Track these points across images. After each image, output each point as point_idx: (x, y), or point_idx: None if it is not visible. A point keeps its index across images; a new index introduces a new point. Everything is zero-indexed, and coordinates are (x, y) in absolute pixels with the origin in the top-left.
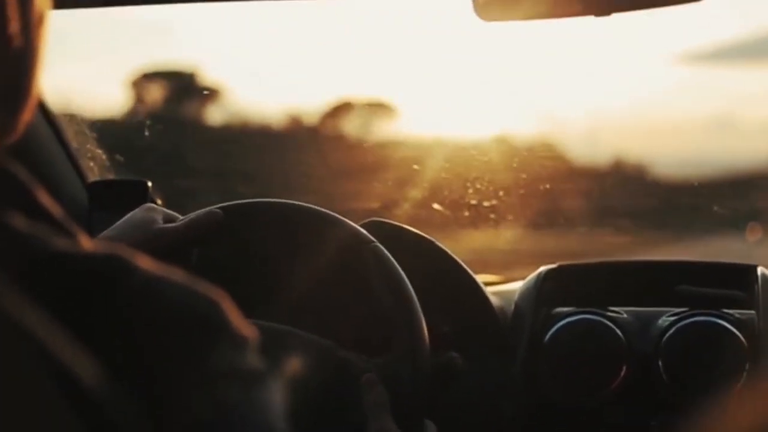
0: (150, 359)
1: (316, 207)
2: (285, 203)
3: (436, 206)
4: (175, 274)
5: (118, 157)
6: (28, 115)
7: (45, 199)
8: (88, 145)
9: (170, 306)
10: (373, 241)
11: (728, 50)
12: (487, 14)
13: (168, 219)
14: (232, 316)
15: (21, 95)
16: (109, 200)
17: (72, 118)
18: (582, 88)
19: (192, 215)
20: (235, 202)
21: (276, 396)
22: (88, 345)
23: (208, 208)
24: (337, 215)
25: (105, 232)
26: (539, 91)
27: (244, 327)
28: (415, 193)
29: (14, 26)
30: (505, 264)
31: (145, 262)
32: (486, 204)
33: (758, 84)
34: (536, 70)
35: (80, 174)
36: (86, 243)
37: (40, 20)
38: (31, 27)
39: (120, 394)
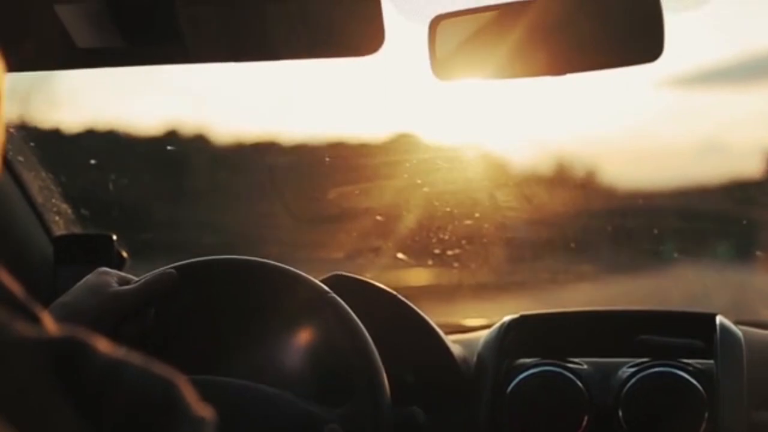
0: None
1: (274, 263)
2: (242, 260)
3: (399, 256)
4: (133, 356)
5: (83, 211)
6: None
7: (6, 278)
8: (53, 200)
9: (130, 389)
10: (332, 294)
11: (713, 74)
12: (443, 73)
13: (122, 281)
14: (190, 397)
15: None
16: (75, 254)
17: (37, 173)
18: (565, 115)
19: (146, 276)
20: (191, 260)
21: None
22: (47, 428)
23: (162, 269)
24: (295, 270)
25: (61, 298)
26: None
27: (202, 408)
28: (379, 242)
29: None
30: (469, 311)
31: (103, 345)
32: (449, 253)
33: (744, 107)
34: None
35: (46, 228)
36: (47, 325)
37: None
38: None
39: None
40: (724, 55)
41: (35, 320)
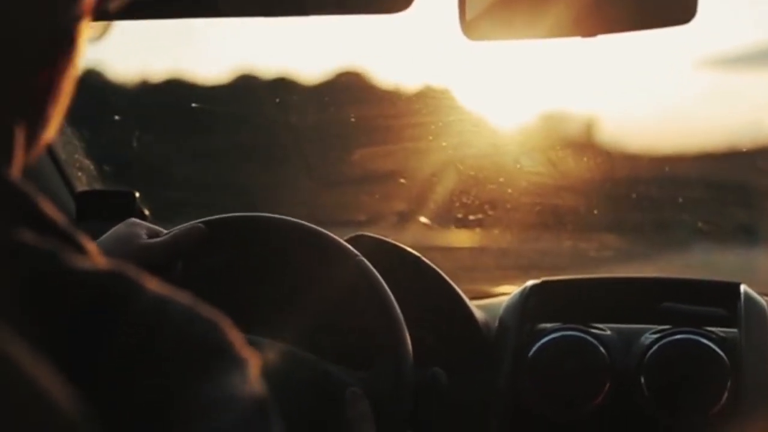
0: (156, 379)
1: (300, 221)
2: (269, 217)
3: (422, 219)
4: (180, 295)
5: (105, 167)
6: (49, 135)
7: (50, 209)
8: (76, 155)
9: (177, 326)
10: (358, 255)
11: (753, 55)
12: (473, 33)
13: (151, 233)
14: (235, 339)
15: (45, 118)
16: (97, 210)
17: (60, 129)
18: (596, 85)
19: (175, 230)
20: (220, 216)
21: (276, 424)
22: (93, 363)
23: (191, 223)
24: (321, 230)
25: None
26: (552, 96)
27: (247, 350)
28: (402, 206)
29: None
30: (491, 278)
31: (151, 282)
32: (472, 218)
33: None
34: (549, 74)
35: (68, 184)
36: (95, 257)
37: (74, 66)
38: (63, 72)
39: (118, 414)
40: (762, 37)
41: (82, 252)
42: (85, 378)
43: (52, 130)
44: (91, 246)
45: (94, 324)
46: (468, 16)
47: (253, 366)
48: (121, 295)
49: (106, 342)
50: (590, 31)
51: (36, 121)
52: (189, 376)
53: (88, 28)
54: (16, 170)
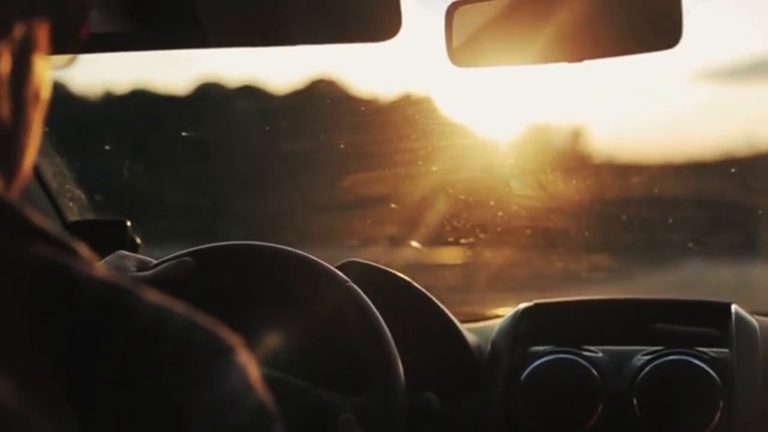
0: (156, 386)
1: (290, 249)
2: (259, 245)
3: (413, 244)
4: (177, 305)
5: (97, 197)
6: (21, 181)
7: (44, 221)
8: (67, 185)
9: (176, 335)
10: (348, 282)
11: (749, 68)
12: (460, 61)
13: (140, 265)
14: (234, 342)
15: (13, 165)
16: (89, 240)
17: (51, 159)
18: (585, 104)
19: (164, 263)
20: (208, 245)
21: (277, 424)
22: (94, 369)
23: (180, 256)
24: (311, 257)
25: None
26: (543, 114)
27: (247, 357)
28: (393, 230)
29: (4, 109)
30: (482, 300)
31: (148, 293)
32: (463, 241)
33: None
34: (540, 92)
35: (60, 214)
36: (95, 266)
37: (36, 97)
38: (24, 106)
39: (119, 418)
40: (758, 50)
41: (81, 260)
42: (86, 383)
43: (27, 165)
44: (88, 255)
45: (95, 331)
46: (455, 42)
47: (253, 369)
48: (121, 303)
49: (107, 348)
50: (576, 57)
51: (7, 159)
52: (189, 379)
53: (45, 62)
54: None
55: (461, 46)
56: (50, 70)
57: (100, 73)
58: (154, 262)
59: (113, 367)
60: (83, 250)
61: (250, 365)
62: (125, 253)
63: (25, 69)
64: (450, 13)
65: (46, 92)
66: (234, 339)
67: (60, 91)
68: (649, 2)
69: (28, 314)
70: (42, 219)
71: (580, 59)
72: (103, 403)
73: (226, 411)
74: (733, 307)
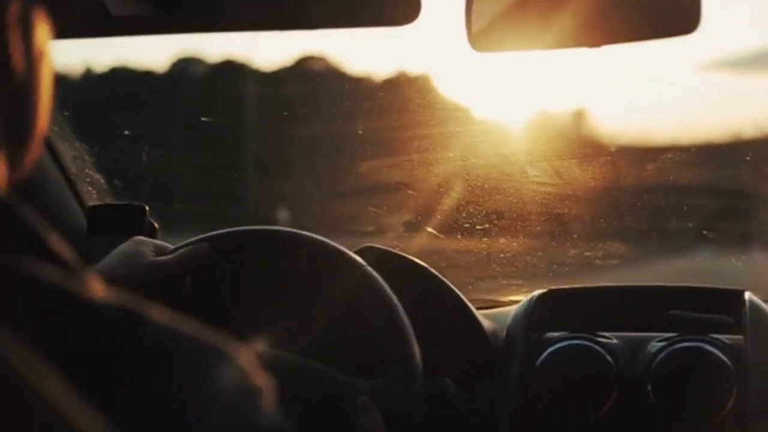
0: (164, 410)
1: (308, 233)
2: (275, 230)
3: (429, 230)
4: (188, 324)
5: (116, 181)
6: (35, 150)
7: (57, 243)
8: (87, 170)
9: (185, 358)
10: (365, 266)
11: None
12: (480, 45)
13: (158, 250)
14: (246, 365)
15: (27, 130)
16: (108, 224)
17: (71, 143)
18: (601, 91)
19: (181, 248)
20: (225, 230)
21: None
22: (101, 395)
23: (197, 241)
24: (328, 241)
25: (96, 266)
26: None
27: (259, 376)
28: (409, 216)
29: (17, 61)
30: (498, 287)
31: (157, 312)
32: (479, 227)
33: None
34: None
35: (79, 198)
36: (99, 289)
37: (41, 54)
38: (33, 61)
39: None
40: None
41: (87, 283)
42: (91, 407)
43: (35, 150)
44: (96, 278)
45: (101, 357)
46: (474, 27)
47: (267, 395)
48: (128, 328)
49: (113, 372)
50: (595, 42)
51: (13, 142)
52: (200, 404)
53: (47, 40)
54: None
55: (480, 31)
56: (50, 40)
57: (120, 57)
58: (172, 247)
59: (120, 392)
60: (94, 276)
61: (264, 390)
62: (142, 238)
63: (29, 26)
64: None
65: (49, 47)
66: (244, 352)
67: (79, 76)
68: None
69: (31, 339)
70: (58, 242)
71: (599, 45)
72: (110, 426)
73: (239, 430)
74: (747, 294)
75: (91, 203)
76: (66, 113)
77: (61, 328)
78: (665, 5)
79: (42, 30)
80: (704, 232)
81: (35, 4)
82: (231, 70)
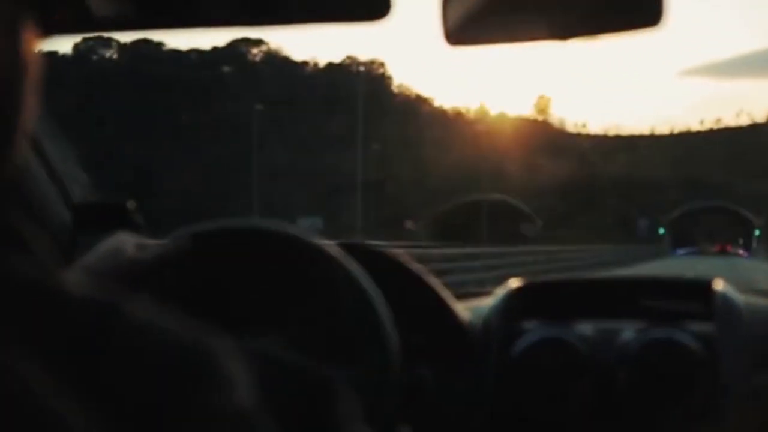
0: (144, 402)
1: (286, 228)
2: (252, 225)
3: (408, 225)
4: (166, 316)
5: (101, 178)
6: (20, 148)
7: (34, 238)
8: (72, 168)
9: (163, 349)
10: (342, 259)
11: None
12: (455, 40)
13: (141, 246)
14: (223, 351)
15: (11, 128)
16: (94, 222)
17: (56, 141)
18: (590, 98)
19: (161, 244)
20: (205, 225)
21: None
22: (80, 387)
23: (178, 234)
24: (306, 235)
25: (79, 261)
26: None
27: (237, 366)
28: (388, 212)
29: (2, 62)
30: (475, 280)
31: (134, 306)
32: (457, 223)
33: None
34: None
35: (65, 196)
36: (76, 283)
37: (28, 55)
38: (19, 62)
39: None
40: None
41: (65, 279)
42: (73, 398)
43: (20, 148)
44: (74, 272)
45: (81, 347)
46: (449, 23)
47: (242, 376)
48: (103, 321)
49: (93, 366)
50: (563, 35)
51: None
52: (178, 392)
53: (34, 41)
54: None
55: (454, 26)
56: (37, 47)
57: (107, 56)
58: (153, 243)
59: (101, 382)
60: (72, 268)
61: (239, 372)
62: (126, 234)
63: (16, 27)
64: None
65: (35, 65)
66: (223, 346)
67: (65, 74)
68: None
69: (9, 331)
70: (40, 239)
71: (570, 37)
72: (93, 415)
73: (215, 421)
74: (717, 283)
75: (77, 201)
76: (51, 111)
77: (37, 321)
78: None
79: (29, 30)
80: (672, 229)
81: (23, 5)
82: (216, 71)
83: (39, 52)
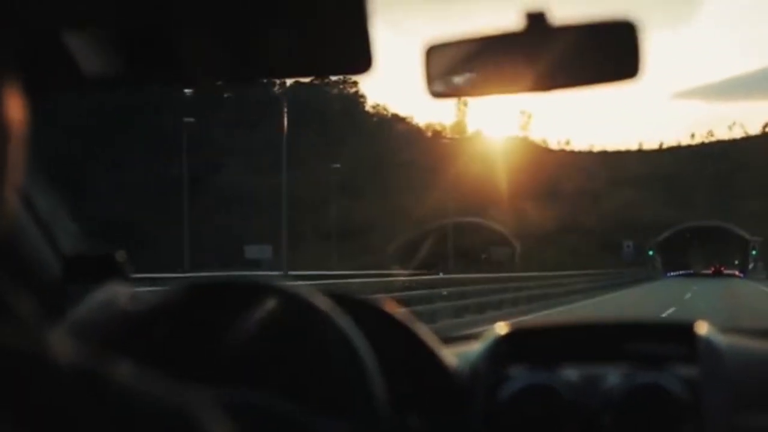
0: None
1: (276, 281)
2: (243, 277)
3: (395, 270)
4: (150, 379)
5: (91, 230)
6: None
7: (24, 306)
8: (62, 219)
9: (147, 417)
10: (331, 310)
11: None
12: (437, 92)
13: (132, 297)
14: (210, 417)
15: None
16: (85, 273)
17: (46, 193)
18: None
19: (153, 295)
20: (197, 278)
21: None
22: None
23: (168, 288)
24: (295, 288)
25: (71, 315)
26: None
27: (223, 427)
28: (371, 258)
29: None
30: (461, 323)
31: (120, 369)
32: (441, 265)
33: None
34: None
35: (55, 247)
36: (62, 350)
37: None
38: (6, 123)
39: None
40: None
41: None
42: None
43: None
44: (61, 335)
45: (64, 416)
46: (431, 78)
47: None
48: (90, 387)
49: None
50: (545, 89)
51: None
52: None
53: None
54: None
55: (436, 80)
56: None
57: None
58: (145, 293)
59: None
60: (60, 338)
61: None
62: (117, 286)
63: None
64: (427, 51)
65: (21, 129)
66: (208, 404)
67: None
68: (609, 37)
69: None
70: (25, 304)
71: (549, 89)
72: None
73: None
74: (699, 325)
75: (67, 252)
76: (40, 163)
77: (19, 390)
78: (606, 55)
79: (13, 90)
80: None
81: (10, 68)
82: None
83: (25, 111)
